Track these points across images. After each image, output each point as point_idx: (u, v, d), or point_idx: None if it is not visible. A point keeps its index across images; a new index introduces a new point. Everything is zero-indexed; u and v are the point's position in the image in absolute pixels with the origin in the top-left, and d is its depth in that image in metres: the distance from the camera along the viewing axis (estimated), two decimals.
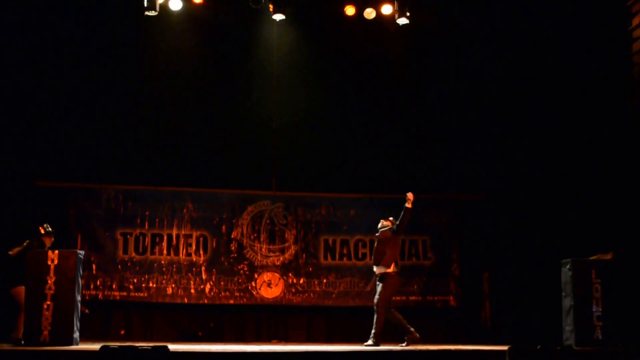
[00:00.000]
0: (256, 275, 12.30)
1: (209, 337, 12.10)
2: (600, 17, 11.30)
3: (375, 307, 9.81)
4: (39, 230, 9.86)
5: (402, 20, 12.21)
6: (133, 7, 11.74)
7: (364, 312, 12.42)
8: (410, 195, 9.88)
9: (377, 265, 9.90)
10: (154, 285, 12.03)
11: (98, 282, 11.92)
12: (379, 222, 12.46)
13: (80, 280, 9.11)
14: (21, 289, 9.40)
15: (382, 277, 9.80)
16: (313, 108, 12.93)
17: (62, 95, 12.14)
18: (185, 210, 12.31)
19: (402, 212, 9.94)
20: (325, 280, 12.23)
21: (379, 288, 9.82)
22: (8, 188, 11.58)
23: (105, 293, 11.92)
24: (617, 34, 10.84)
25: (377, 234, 10.09)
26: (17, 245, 9.72)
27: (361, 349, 8.91)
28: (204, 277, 12.16)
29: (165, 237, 12.21)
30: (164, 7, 11.87)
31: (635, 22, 10.50)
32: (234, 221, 12.41)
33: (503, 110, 12.78)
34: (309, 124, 12.94)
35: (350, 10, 12.32)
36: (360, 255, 12.56)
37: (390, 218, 10.14)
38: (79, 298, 9.05)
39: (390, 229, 9.99)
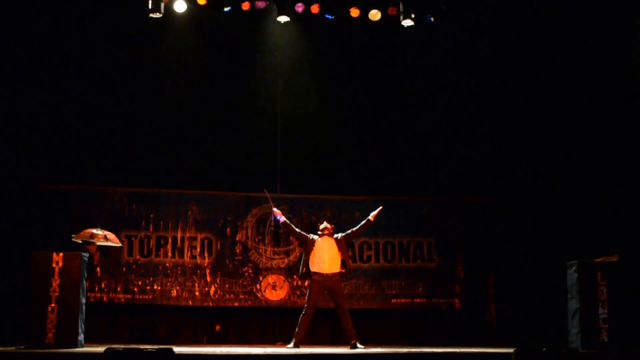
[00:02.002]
0: (261, 278, 12.28)
1: (214, 339, 12.09)
2: (605, 19, 11.29)
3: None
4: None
5: (407, 22, 12.23)
6: (137, 10, 11.76)
7: (369, 315, 12.43)
8: (375, 212, 10.36)
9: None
10: (159, 288, 12.02)
11: (103, 285, 11.91)
12: (384, 224, 12.51)
13: (84, 282, 9.11)
14: None
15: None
16: (318, 110, 12.95)
17: (66, 97, 12.15)
18: (189, 213, 12.30)
19: (364, 222, 10.38)
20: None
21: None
22: (12, 191, 11.58)
23: (110, 295, 11.91)
24: (622, 36, 10.83)
25: (343, 234, 10.28)
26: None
27: (365, 352, 8.89)
28: (208, 279, 12.15)
29: (170, 240, 12.20)
30: (169, 9, 11.88)
31: None
32: (238, 223, 12.39)
33: (509, 113, 12.77)
34: (314, 125, 12.94)
35: (355, 12, 12.32)
36: (365, 258, 12.53)
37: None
38: (83, 300, 9.05)
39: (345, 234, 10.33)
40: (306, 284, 11.70)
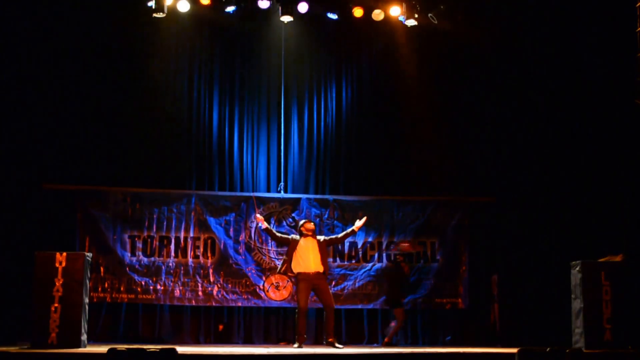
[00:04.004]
0: (264, 278, 12.26)
1: (217, 339, 12.08)
2: (609, 18, 11.27)
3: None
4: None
5: (411, 22, 12.22)
6: (141, 10, 11.77)
7: (372, 314, 12.42)
8: (360, 223, 10.49)
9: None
10: (162, 288, 12.01)
11: (106, 285, 11.91)
12: (388, 223, 12.50)
13: (88, 282, 9.12)
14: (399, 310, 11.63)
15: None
16: (321, 109, 12.95)
17: (69, 97, 12.15)
18: (193, 213, 12.28)
19: (348, 230, 10.58)
20: (333, 283, 12.19)
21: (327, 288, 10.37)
22: (16, 190, 11.59)
23: (113, 295, 11.91)
24: (626, 36, 10.81)
25: (325, 238, 10.52)
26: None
27: (369, 352, 8.89)
28: (211, 279, 12.14)
29: (173, 240, 12.20)
30: (172, 9, 11.88)
31: None
32: (242, 224, 12.38)
33: (513, 112, 12.75)
34: (317, 125, 12.94)
35: (358, 12, 12.30)
36: (368, 258, 12.51)
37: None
38: (86, 300, 9.06)
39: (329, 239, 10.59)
40: None
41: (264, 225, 10.45)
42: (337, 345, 9.95)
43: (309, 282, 10.10)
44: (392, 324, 11.77)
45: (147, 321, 12.09)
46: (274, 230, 10.64)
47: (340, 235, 10.66)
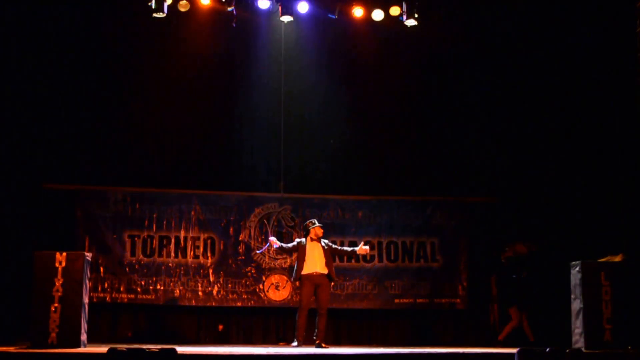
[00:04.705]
0: (264, 278, 12.27)
1: (217, 339, 12.08)
2: (609, 18, 11.27)
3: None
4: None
5: (411, 22, 12.21)
6: (141, 10, 11.76)
7: (372, 314, 12.42)
8: (364, 250, 10.61)
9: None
10: (162, 288, 12.02)
11: (106, 285, 11.91)
12: (388, 224, 12.49)
13: (87, 282, 9.10)
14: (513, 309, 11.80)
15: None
16: (321, 109, 12.94)
17: (70, 97, 12.15)
18: (192, 213, 12.29)
19: (350, 250, 10.70)
20: (332, 283, 12.18)
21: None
22: (16, 190, 11.59)
23: (113, 295, 11.91)
24: (626, 36, 10.81)
25: (329, 244, 10.53)
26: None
27: (368, 352, 8.88)
28: (211, 279, 12.15)
29: (172, 240, 12.20)
30: (172, 9, 11.86)
31: None
32: (241, 223, 12.38)
33: (513, 112, 12.75)
34: (317, 125, 12.93)
35: (358, 12, 12.30)
36: (368, 258, 12.51)
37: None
38: (86, 300, 9.05)
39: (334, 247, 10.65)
40: None
41: (277, 244, 10.52)
42: (323, 346, 10.02)
43: (312, 283, 10.15)
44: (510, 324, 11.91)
45: (147, 321, 12.10)
46: (284, 245, 10.61)
47: (342, 250, 10.75)
